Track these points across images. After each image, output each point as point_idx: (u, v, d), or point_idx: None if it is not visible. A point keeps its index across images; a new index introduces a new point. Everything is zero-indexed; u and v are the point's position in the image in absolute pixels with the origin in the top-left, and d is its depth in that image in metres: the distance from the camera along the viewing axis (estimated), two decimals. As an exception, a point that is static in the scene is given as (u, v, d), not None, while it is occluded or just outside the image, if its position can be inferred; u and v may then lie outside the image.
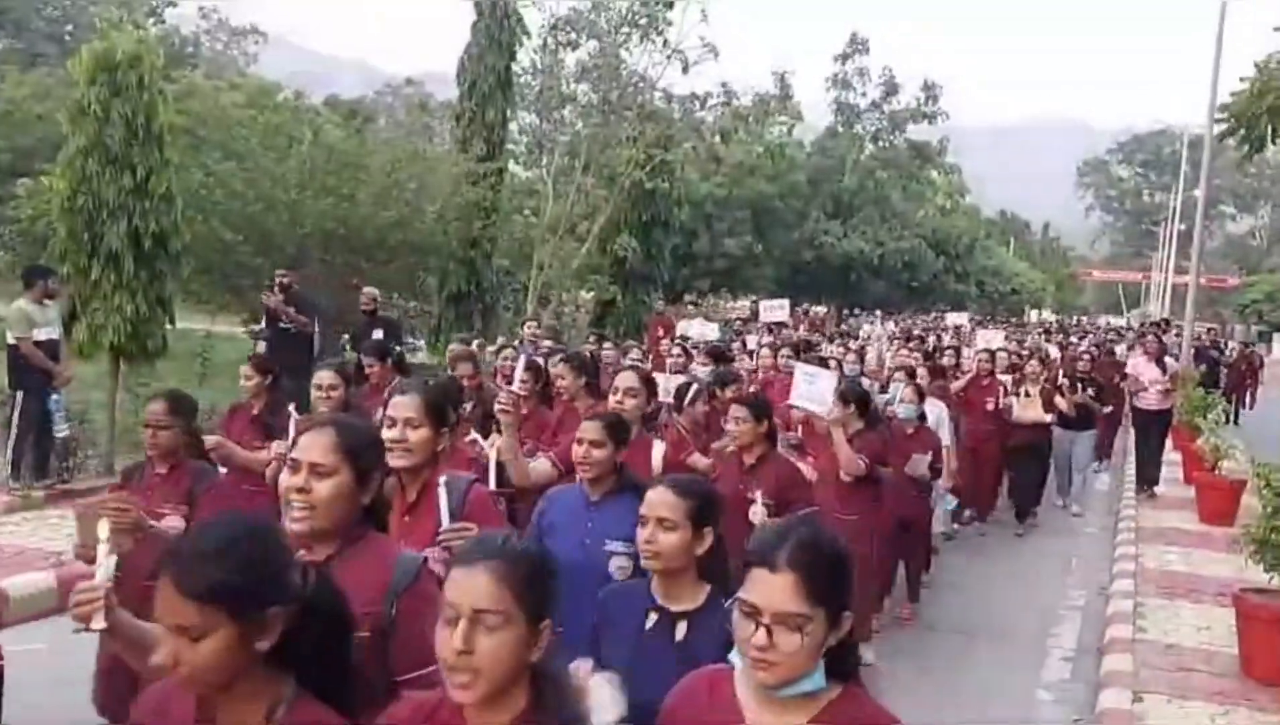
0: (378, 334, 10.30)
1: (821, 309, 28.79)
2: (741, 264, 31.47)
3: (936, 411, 8.22)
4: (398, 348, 7.78)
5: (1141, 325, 19.47)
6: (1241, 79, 15.20)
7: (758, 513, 4.23)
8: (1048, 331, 25.75)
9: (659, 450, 4.99)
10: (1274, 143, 16.04)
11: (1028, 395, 10.48)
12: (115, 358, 11.13)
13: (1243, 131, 15.31)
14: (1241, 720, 5.56)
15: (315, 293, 12.38)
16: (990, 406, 10.25)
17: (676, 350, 9.12)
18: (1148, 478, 11.97)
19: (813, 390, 6.15)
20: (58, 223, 11.24)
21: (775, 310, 16.26)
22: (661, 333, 14.94)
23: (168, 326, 11.87)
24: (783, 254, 33.16)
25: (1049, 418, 10.60)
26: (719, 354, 9.50)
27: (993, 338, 14.16)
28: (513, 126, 19.52)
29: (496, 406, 4.05)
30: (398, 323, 12.86)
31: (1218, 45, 20.42)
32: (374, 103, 49.27)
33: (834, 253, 34.02)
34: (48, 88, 21.26)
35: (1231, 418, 18.76)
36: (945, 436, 8.18)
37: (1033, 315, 29.55)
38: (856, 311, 28.54)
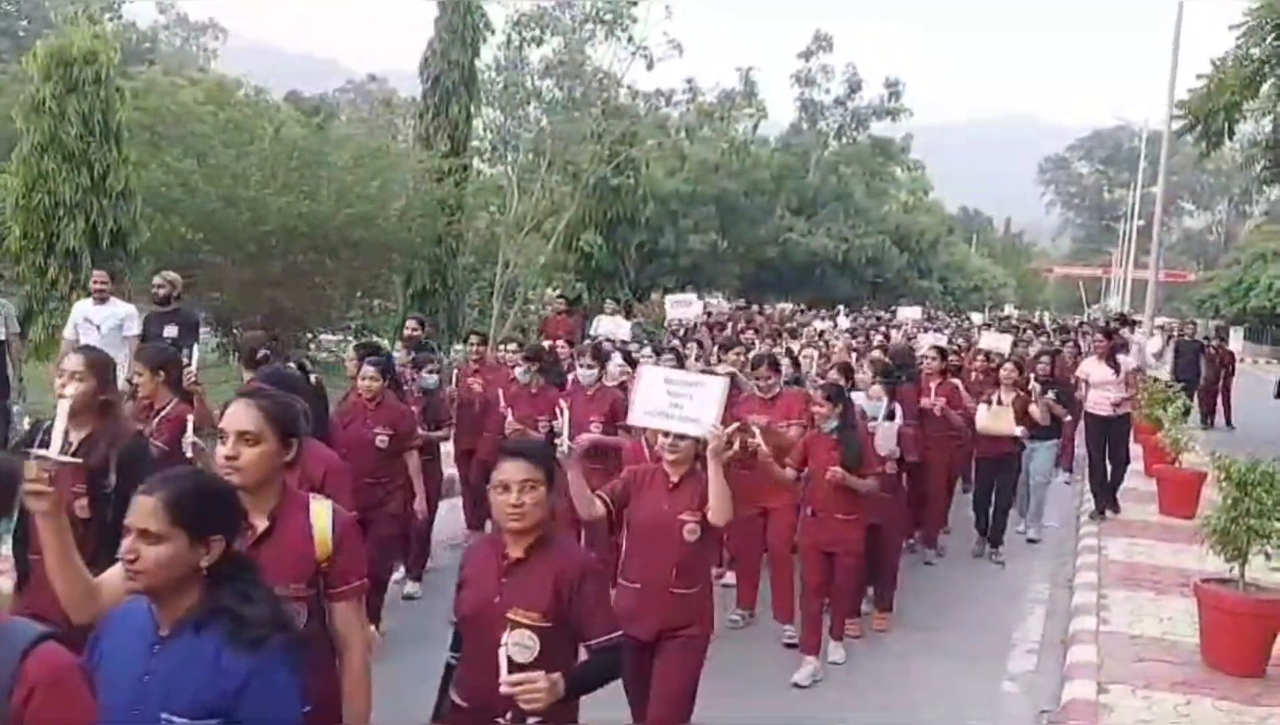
0: (170, 332, 8.28)
1: (788, 306, 28.85)
2: (707, 261, 31.52)
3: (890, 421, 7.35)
4: (189, 350, 5.89)
5: (1108, 322, 18.43)
6: (1198, 76, 15.45)
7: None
8: (1033, 327, 23.50)
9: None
10: (1230, 139, 16.33)
11: (999, 403, 9.10)
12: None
13: (1200, 128, 15.56)
14: (1205, 708, 5.63)
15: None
16: (938, 412, 8.69)
17: (588, 359, 7.62)
18: (1105, 497, 10.32)
19: (688, 405, 4.33)
20: (13, 221, 11.08)
21: (682, 306, 14.45)
22: (559, 336, 12.56)
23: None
24: (748, 251, 33.24)
25: (1019, 430, 9.10)
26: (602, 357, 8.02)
27: (927, 340, 12.29)
28: (477, 123, 19.41)
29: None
30: (196, 318, 9.80)
31: (1175, 43, 20.71)
32: (336, 99, 48.87)
33: (799, 249, 34.14)
34: (1, 85, 20.90)
35: (1211, 419, 17.95)
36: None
37: (974, 316, 27.45)
38: (804, 309, 28.53)
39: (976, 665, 6.64)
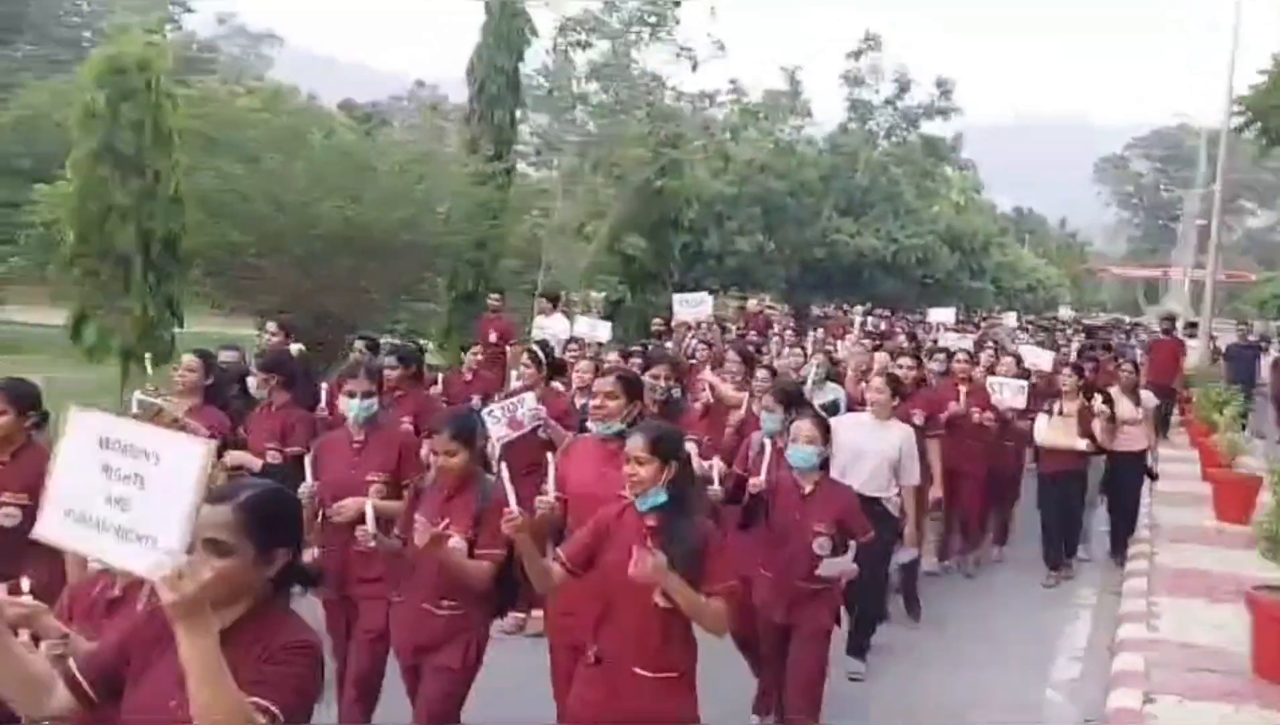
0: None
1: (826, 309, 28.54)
2: (753, 262, 31.33)
3: (897, 438, 6.33)
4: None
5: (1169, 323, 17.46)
6: (1259, 72, 15.06)
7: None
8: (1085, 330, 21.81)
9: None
10: (1292, 135, 15.86)
11: (1060, 413, 8.46)
12: (125, 361, 11.20)
13: (1260, 125, 15.17)
14: (1252, 720, 5.47)
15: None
16: (975, 420, 8.23)
17: (525, 358, 6.97)
18: (1119, 539, 9.44)
19: (137, 504, 2.46)
20: (67, 226, 11.32)
21: (692, 306, 12.86)
22: (495, 337, 11.99)
23: (177, 329, 11.96)
24: (794, 252, 32.99)
25: (1083, 444, 8.36)
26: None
27: (959, 341, 11.62)
28: (524, 128, 19.51)
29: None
30: None
31: (1234, 39, 20.24)
32: (389, 106, 49.47)
33: (846, 250, 33.81)
34: (66, 94, 21.39)
35: None
36: (911, 468, 6.33)
37: (1008, 318, 24.12)
38: (845, 309, 28.06)
39: (1019, 672, 6.54)
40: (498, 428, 6.08)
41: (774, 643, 4.94)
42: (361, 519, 4.14)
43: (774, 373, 7.24)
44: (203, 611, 1.98)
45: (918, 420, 7.05)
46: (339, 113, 27.46)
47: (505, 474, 3.68)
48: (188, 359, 5.81)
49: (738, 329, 14.29)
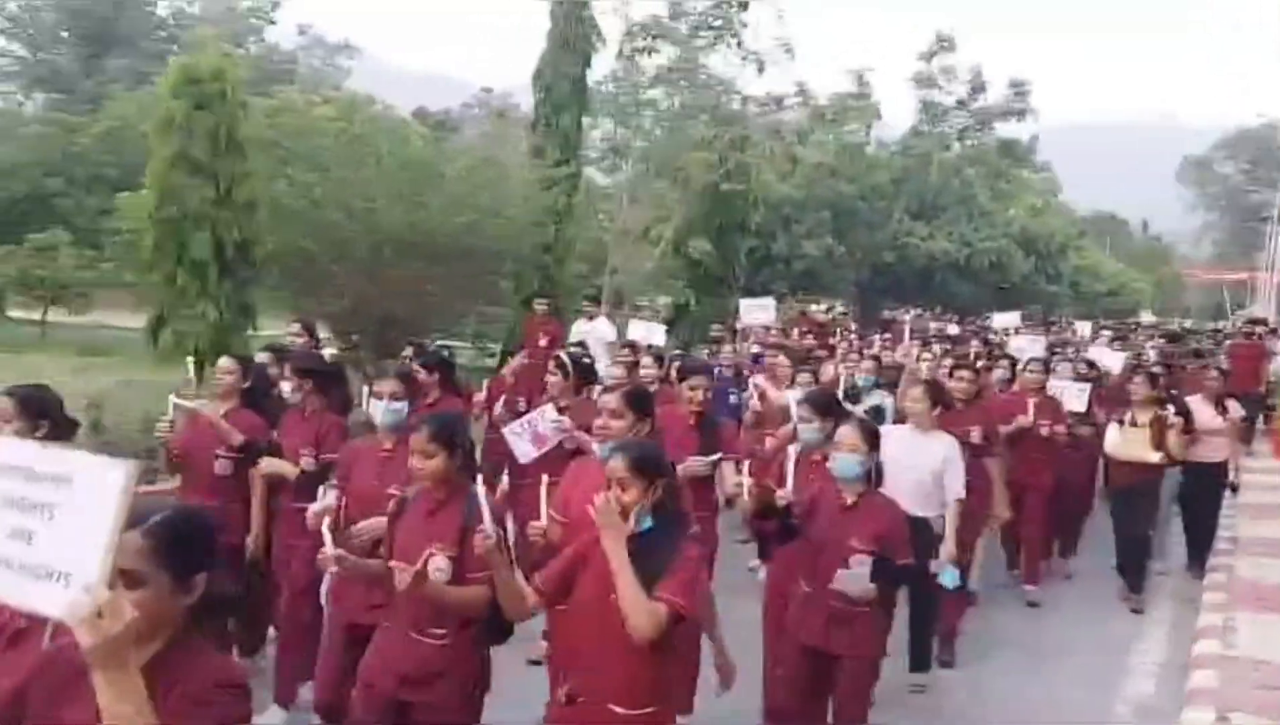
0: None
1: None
2: (821, 266, 31.09)
3: (939, 450, 5.87)
4: None
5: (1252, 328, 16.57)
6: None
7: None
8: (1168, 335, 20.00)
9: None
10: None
11: (1132, 423, 7.98)
12: (199, 364, 11.51)
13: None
14: (1333, 742, 5.23)
15: None
16: (1044, 434, 7.85)
17: (551, 366, 6.56)
18: (1196, 552, 8.97)
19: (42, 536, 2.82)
20: (146, 232, 11.69)
21: (757, 310, 12.66)
22: (545, 341, 11.71)
23: (250, 332, 12.26)
24: (864, 256, 32.66)
25: (1154, 457, 7.86)
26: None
27: (1029, 346, 11.05)
28: (595, 134, 19.63)
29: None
30: None
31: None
32: (460, 114, 50.17)
33: (917, 254, 33.36)
34: (150, 105, 22.11)
35: None
36: (955, 481, 5.84)
37: (1081, 328, 22.04)
38: (921, 313, 27.45)
39: (1090, 687, 6.35)
40: (521, 445, 5.76)
41: (805, 669, 4.46)
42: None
43: (816, 380, 7.10)
44: (127, 655, 1.79)
45: (975, 437, 6.58)
46: (412, 121, 27.91)
47: (481, 489, 3.38)
48: (224, 362, 5.65)
49: (799, 334, 14.00)
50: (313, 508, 4.10)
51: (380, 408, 4.50)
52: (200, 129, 11.50)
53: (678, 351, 10.97)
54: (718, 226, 20.37)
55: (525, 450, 5.75)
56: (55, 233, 17.36)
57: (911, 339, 12.93)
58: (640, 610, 2.98)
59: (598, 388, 6.17)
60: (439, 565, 3.54)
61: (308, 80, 41.84)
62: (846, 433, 4.50)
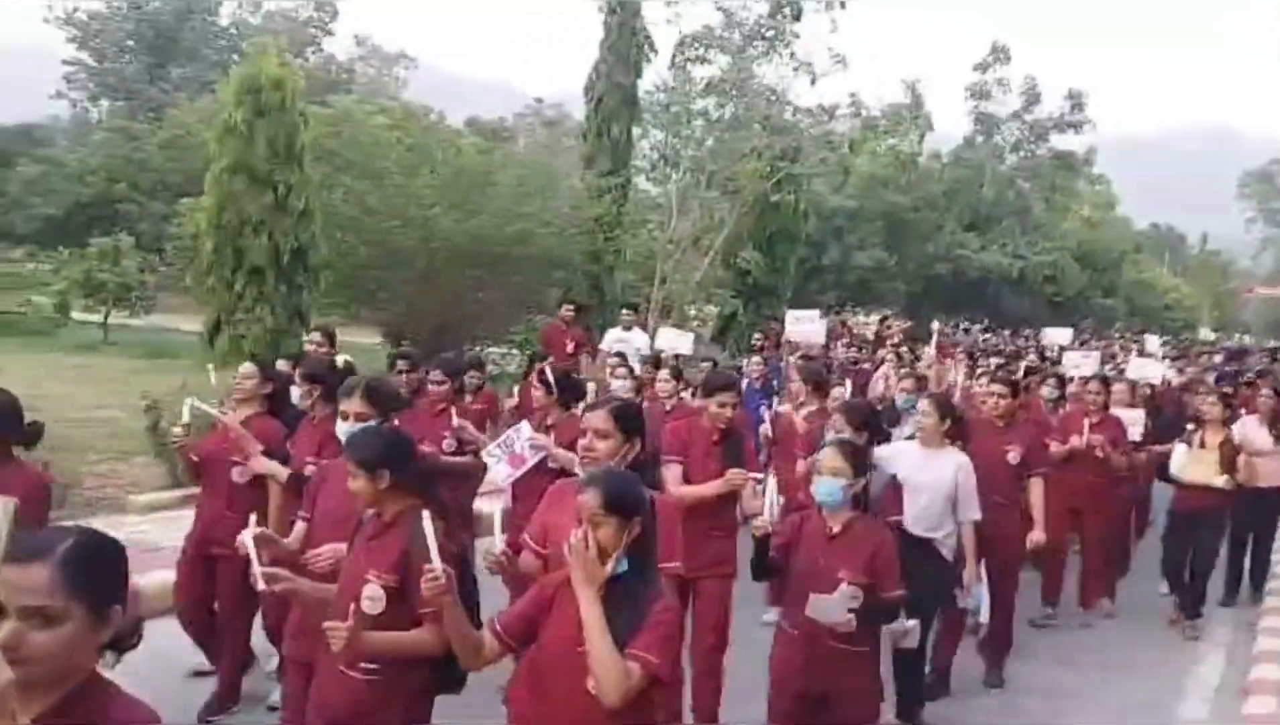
0: None
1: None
2: (873, 277, 30.89)
3: (950, 468, 5.40)
4: None
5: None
6: None
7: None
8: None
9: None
10: None
11: (1202, 446, 7.46)
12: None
13: None
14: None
15: None
16: (1100, 455, 7.46)
17: (534, 380, 6.27)
18: (1255, 577, 8.49)
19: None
20: (205, 238, 11.93)
21: (805, 322, 11.93)
22: (571, 348, 11.25)
23: (304, 337, 12.45)
24: (916, 267, 32.39)
25: (1221, 481, 7.35)
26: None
27: (1083, 362, 10.56)
28: (644, 143, 19.69)
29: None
30: None
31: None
32: (514, 123, 50.62)
33: (970, 266, 33.03)
34: (212, 113, 22.64)
35: None
36: (968, 502, 5.43)
37: (1152, 341, 20.77)
38: (967, 328, 26.95)
39: (1145, 711, 6.22)
40: (498, 467, 5.44)
41: (798, 718, 4.00)
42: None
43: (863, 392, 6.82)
44: (9, 718, 1.58)
45: (1013, 457, 6.18)
46: (466, 130, 28.22)
47: (428, 523, 2.93)
48: (244, 367, 5.41)
49: (844, 346, 13.63)
50: (244, 533, 3.57)
51: (343, 429, 4.03)
52: (260, 137, 11.72)
53: (712, 362, 10.80)
54: (768, 237, 20.34)
55: (503, 472, 5.44)
56: (119, 237, 17.78)
57: (943, 351, 12.54)
58: (611, 671, 2.59)
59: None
60: (371, 594, 3.17)
61: (364, 89, 42.48)
62: (827, 454, 4.01)
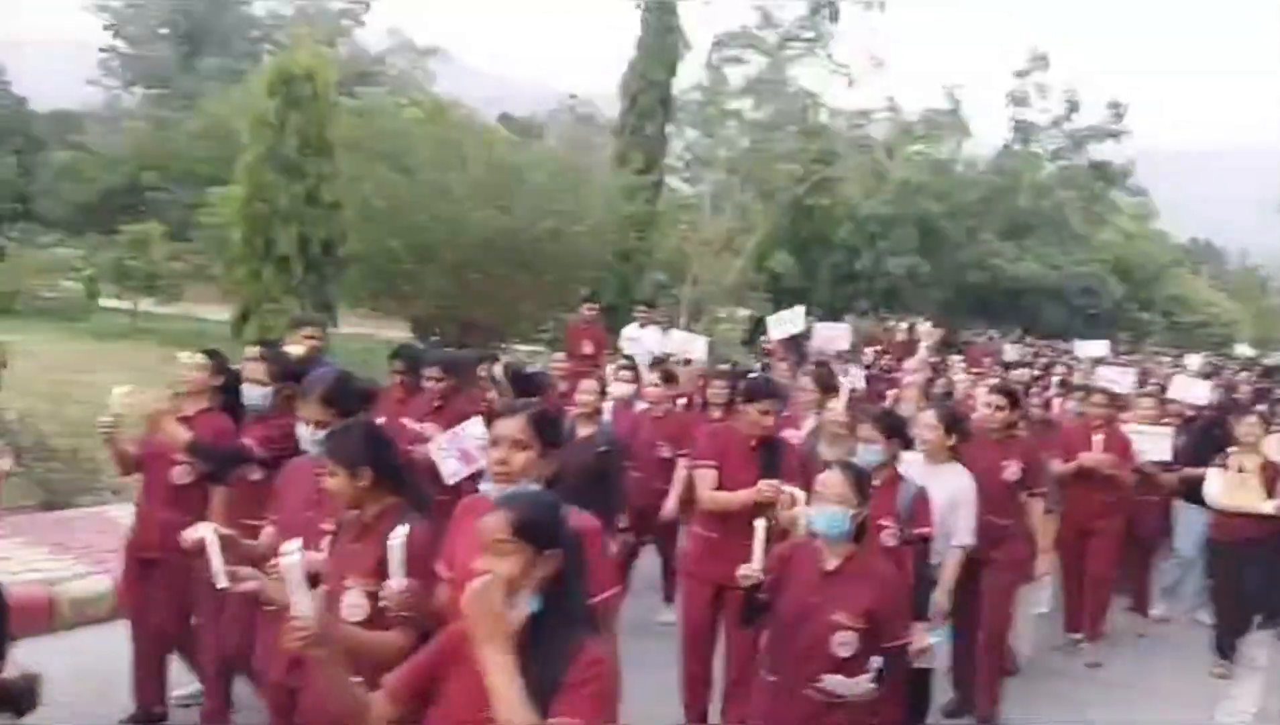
0: None
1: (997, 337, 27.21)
2: (905, 284, 30.58)
3: (950, 486, 4.96)
4: None
5: None
6: None
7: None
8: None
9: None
10: None
11: (1241, 470, 6.86)
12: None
13: None
14: None
15: None
16: (1108, 473, 6.89)
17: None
18: None
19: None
20: (234, 227, 11.92)
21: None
22: (590, 348, 10.87)
23: (331, 329, 12.41)
24: (950, 275, 32.04)
25: (1270, 507, 6.72)
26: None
27: (1119, 378, 9.82)
28: (676, 143, 19.58)
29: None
30: None
31: None
32: (547, 119, 50.60)
33: (1005, 275, 32.64)
34: (244, 103, 22.72)
35: None
36: (962, 524, 4.99)
37: (1190, 360, 19.16)
38: (993, 337, 26.52)
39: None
40: (448, 463, 5.25)
41: None
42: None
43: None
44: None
45: (1010, 474, 5.58)
46: (498, 125, 28.19)
47: (399, 542, 2.70)
48: (189, 357, 4.88)
49: (875, 352, 13.24)
50: (202, 525, 3.32)
51: (304, 434, 3.75)
52: (291, 128, 11.69)
53: (731, 364, 10.47)
54: (801, 240, 20.16)
55: (453, 468, 5.23)
56: (149, 225, 17.84)
57: (974, 360, 12.05)
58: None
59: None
60: (352, 601, 2.95)
61: (396, 82, 42.67)
62: (832, 479, 3.54)
